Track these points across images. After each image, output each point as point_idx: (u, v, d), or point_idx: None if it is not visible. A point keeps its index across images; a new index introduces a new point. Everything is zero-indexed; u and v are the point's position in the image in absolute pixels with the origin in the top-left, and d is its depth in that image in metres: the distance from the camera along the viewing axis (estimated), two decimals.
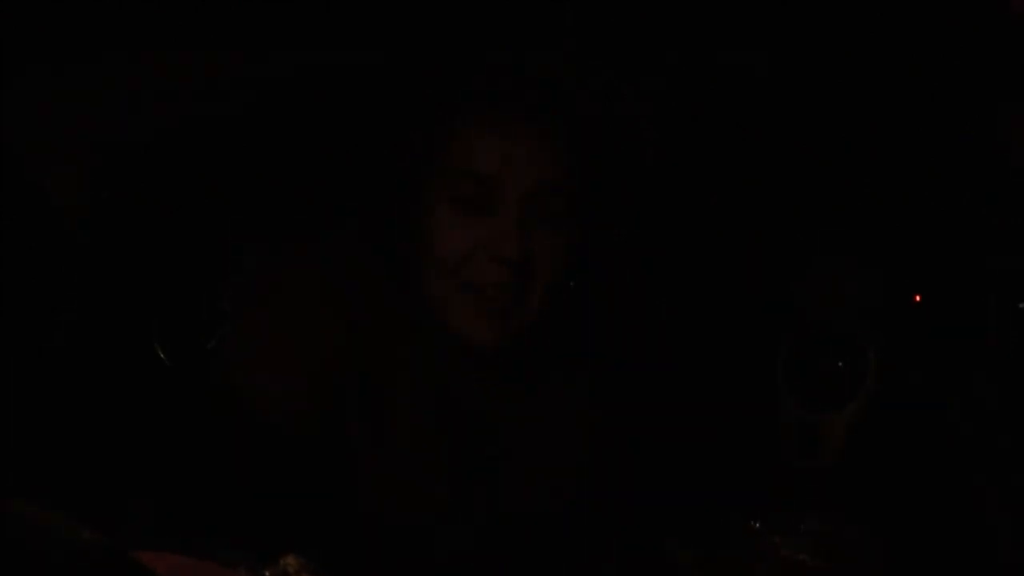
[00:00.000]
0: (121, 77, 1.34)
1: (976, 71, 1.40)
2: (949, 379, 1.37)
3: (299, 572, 0.90)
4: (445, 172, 1.22)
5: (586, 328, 1.37)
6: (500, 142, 1.21)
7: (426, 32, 1.41)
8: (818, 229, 1.53)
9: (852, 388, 1.39)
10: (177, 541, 0.96)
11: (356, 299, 1.24)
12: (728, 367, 1.51)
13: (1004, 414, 1.32)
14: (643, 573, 1.28)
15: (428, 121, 1.24)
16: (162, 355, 1.33)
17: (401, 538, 1.25)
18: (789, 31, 1.51)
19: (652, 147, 1.47)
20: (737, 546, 1.24)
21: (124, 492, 1.07)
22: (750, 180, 1.57)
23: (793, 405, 1.42)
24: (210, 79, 1.37)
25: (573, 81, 1.28)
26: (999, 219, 1.38)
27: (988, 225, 1.39)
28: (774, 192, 1.56)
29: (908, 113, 1.48)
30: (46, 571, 0.79)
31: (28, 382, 1.11)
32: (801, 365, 1.43)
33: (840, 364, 1.40)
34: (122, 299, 1.32)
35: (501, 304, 1.21)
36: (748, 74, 1.54)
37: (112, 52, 1.33)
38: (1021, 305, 1.35)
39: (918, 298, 1.41)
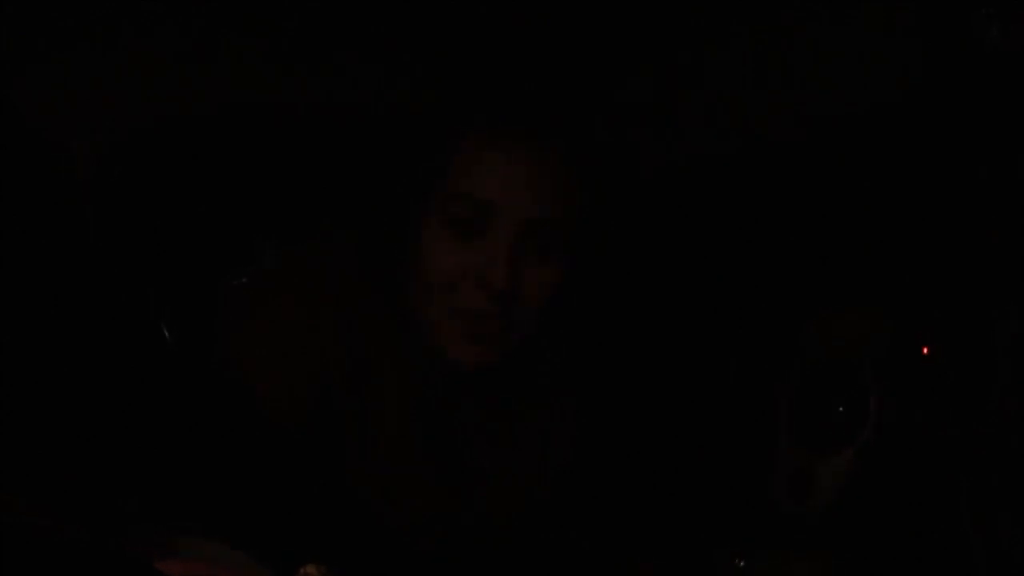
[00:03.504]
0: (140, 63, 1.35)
1: (994, 115, 1.40)
2: (950, 432, 1.37)
3: None
4: (443, 193, 1.21)
5: (577, 351, 1.37)
6: (501, 168, 1.20)
7: (432, 51, 1.41)
8: (829, 271, 1.53)
9: (850, 433, 1.39)
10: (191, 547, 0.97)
11: (345, 307, 1.24)
12: (725, 402, 1.51)
13: (1007, 470, 1.31)
14: None
15: (430, 139, 1.24)
16: (166, 338, 1.33)
17: (385, 541, 1.25)
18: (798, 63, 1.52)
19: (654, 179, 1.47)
20: None
21: (123, 492, 1.07)
22: (760, 219, 1.57)
23: (790, 445, 1.41)
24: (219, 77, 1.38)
25: (578, 105, 1.27)
26: (1014, 275, 1.38)
27: (1003, 281, 1.39)
28: (783, 233, 1.56)
29: (925, 160, 1.47)
30: None
31: (28, 376, 1.11)
32: (802, 406, 1.42)
33: (841, 409, 1.39)
34: (121, 286, 1.31)
35: (486, 330, 1.22)
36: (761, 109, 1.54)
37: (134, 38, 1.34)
38: None
39: (926, 351, 1.40)
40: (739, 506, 1.42)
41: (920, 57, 1.46)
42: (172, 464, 1.12)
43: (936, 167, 1.48)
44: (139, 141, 1.36)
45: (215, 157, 1.39)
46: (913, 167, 1.49)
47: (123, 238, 1.34)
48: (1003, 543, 1.30)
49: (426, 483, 1.27)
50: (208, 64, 1.39)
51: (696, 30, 1.52)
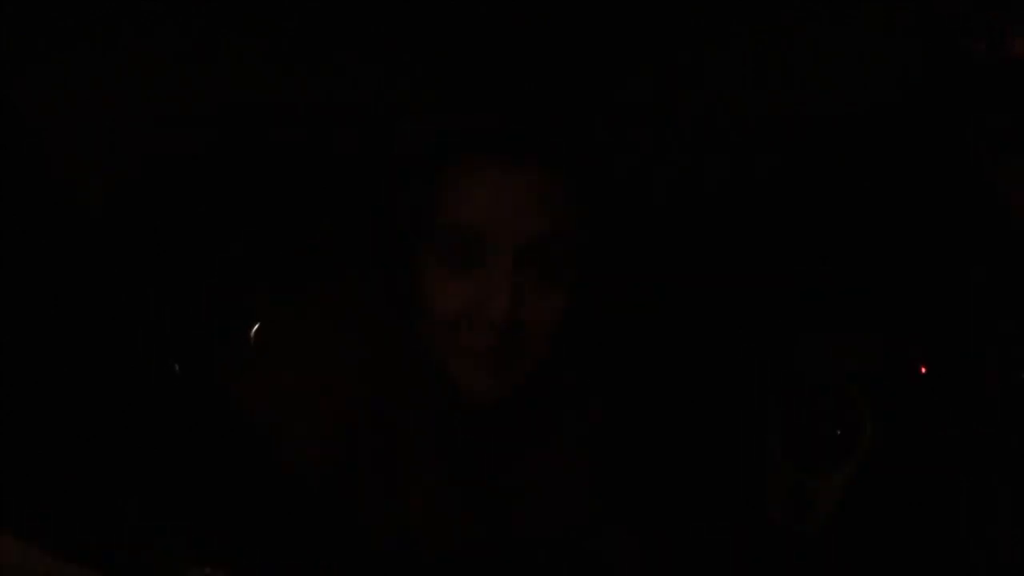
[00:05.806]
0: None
1: (978, 129, 1.40)
2: (946, 447, 1.36)
3: None
4: (432, 225, 1.17)
5: (587, 377, 1.37)
6: (489, 193, 1.14)
7: (432, 51, 1.41)
8: (820, 293, 1.53)
9: (845, 453, 1.38)
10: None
11: (370, 347, 1.22)
12: (721, 425, 1.51)
13: (1003, 482, 1.31)
14: None
15: (416, 170, 1.19)
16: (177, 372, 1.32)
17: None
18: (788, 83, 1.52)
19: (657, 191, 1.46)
20: None
21: (146, 533, 1.06)
22: (754, 241, 1.57)
23: (785, 464, 1.41)
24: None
25: (566, 117, 1.25)
26: (1003, 289, 1.38)
27: (992, 296, 1.39)
28: (776, 253, 1.56)
29: (912, 179, 1.48)
30: None
31: (29, 388, 1.10)
32: (796, 426, 1.42)
33: (837, 431, 1.38)
34: (130, 317, 1.31)
35: (495, 362, 1.18)
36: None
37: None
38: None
39: (924, 369, 1.40)
40: (739, 527, 1.42)
41: (920, 57, 1.46)
42: (196, 505, 1.11)
43: (935, 168, 1.48)
44: (156, 175, 1.36)
45: (229, 194, 1.39)
46: (913, 168, 1.49)
47: (138, 272, 1.34)
48: (1003, 544, 1.30)
49: (454, 518, 1.26)
50: (208, 64, 1.39)
51: (696, 30, 1.52)
